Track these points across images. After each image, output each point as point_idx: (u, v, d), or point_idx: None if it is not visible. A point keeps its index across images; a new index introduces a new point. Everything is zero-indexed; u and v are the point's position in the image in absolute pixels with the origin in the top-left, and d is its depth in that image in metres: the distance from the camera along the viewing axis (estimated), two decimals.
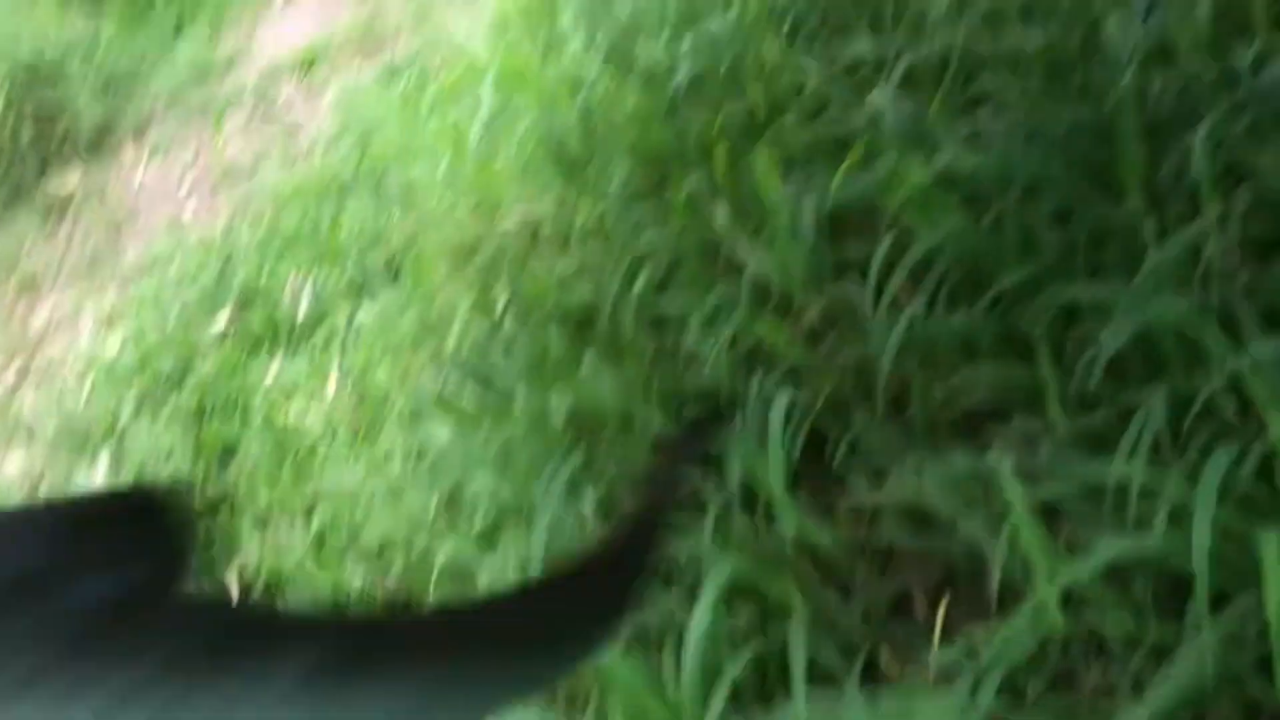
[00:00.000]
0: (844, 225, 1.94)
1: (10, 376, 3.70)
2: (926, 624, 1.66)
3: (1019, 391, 1.60)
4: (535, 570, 1.98)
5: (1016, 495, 1.36)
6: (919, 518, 1.80)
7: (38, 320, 3.93)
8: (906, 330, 1.60)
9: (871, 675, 1.59)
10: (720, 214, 1.95)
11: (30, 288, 4.14)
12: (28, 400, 3.55)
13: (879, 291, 1.65)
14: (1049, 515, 1.51)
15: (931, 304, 1.67)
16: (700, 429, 0.47)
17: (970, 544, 1.58)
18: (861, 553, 1.79)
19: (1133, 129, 1.50)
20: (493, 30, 3.41)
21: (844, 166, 1.76)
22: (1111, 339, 1.40)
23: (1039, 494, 1.40)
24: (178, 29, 5.85)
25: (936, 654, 1.50)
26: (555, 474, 1.70)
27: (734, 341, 1.85)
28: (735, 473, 1.65)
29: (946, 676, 1.46)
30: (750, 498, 1.76)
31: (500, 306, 2.26)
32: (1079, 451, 1.45)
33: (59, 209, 4.51)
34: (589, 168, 2.38)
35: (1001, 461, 1.39)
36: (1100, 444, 1.45)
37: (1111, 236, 1.54)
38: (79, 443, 3.28)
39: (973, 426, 1.68)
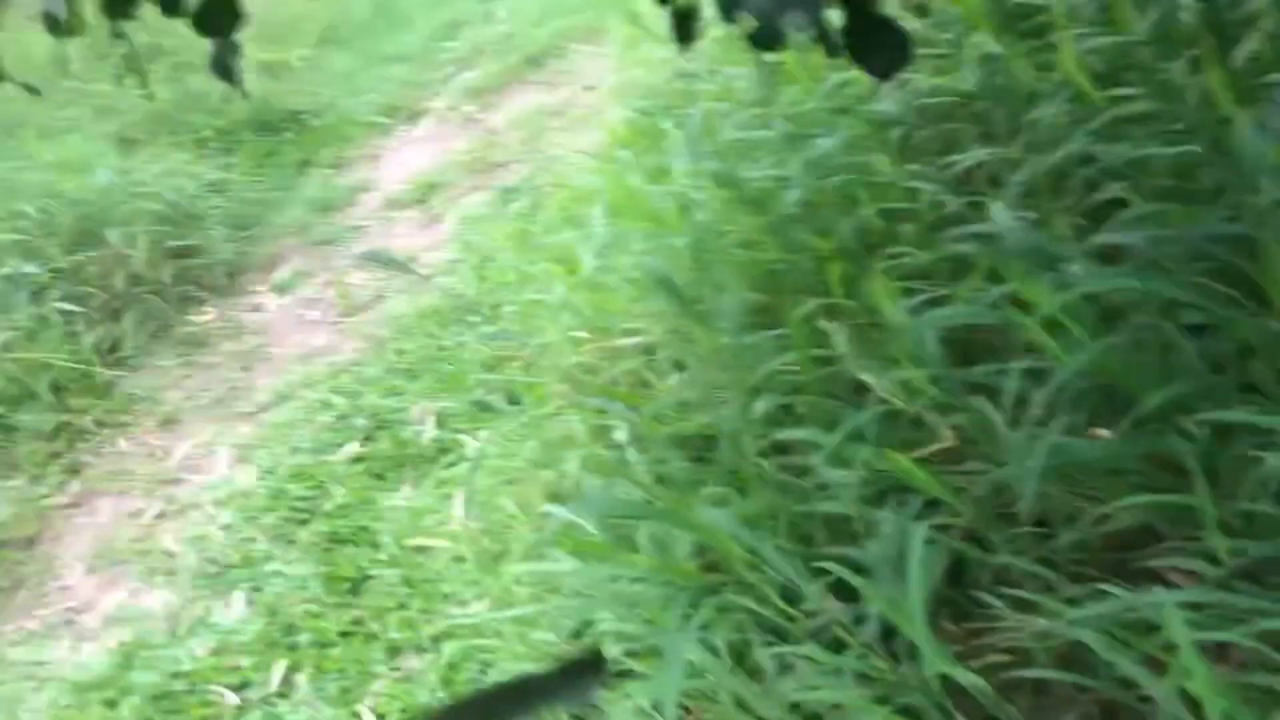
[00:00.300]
0: (971, 345, 1.89)
1: (152, 510, 3.83)
2: None
3: (1172, 516, 1.51)
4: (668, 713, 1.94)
5: (1182, 635, 1.27)
6: (1072, 653, 1.70)
7: (178, 454, 4.07)
8: (1049, 454, 1.53)
9: None
10: (839, 337, 1.92)
11: (170, 422, 4.30)
12: (169, 533, 3.66)
13: (1015, 414, 1.59)
14: (1218, 651, 1.41)
15: (1071, 426, 1.61)
16: (577, 676, 0.46)
17: (1130, 682, 1.49)
18: (1012, 691, 1.69)
19: (1276, 237, 1.43)
20: (601, 154, 3.48)
21: (966, 288, 1.72)
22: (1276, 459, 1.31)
23: (1205, 632, 1.31)
24: (302, 167, 6.14)
25: None
26: (683, 612, 1.66)
27: (862, 466, 1.80)
28: (873, 610, 1.59)
29: None
30: (888, 632, 1.69)
31: (618, 434, 2.25)
32: (1246, 583, 1.35)
33: (196, 344, 4.70)
34: (701, 290, 2.38)
35: (1162, 596, 1.31)
36: (1270, 573, 1.35)
37: (1261, 350, 1.46)
38: (217, 575, 3.36)
39: (1123, 553, 1.59)
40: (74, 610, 3.55)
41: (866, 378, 1.85)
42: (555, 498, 2.68)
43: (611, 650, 2.10)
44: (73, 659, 3.30)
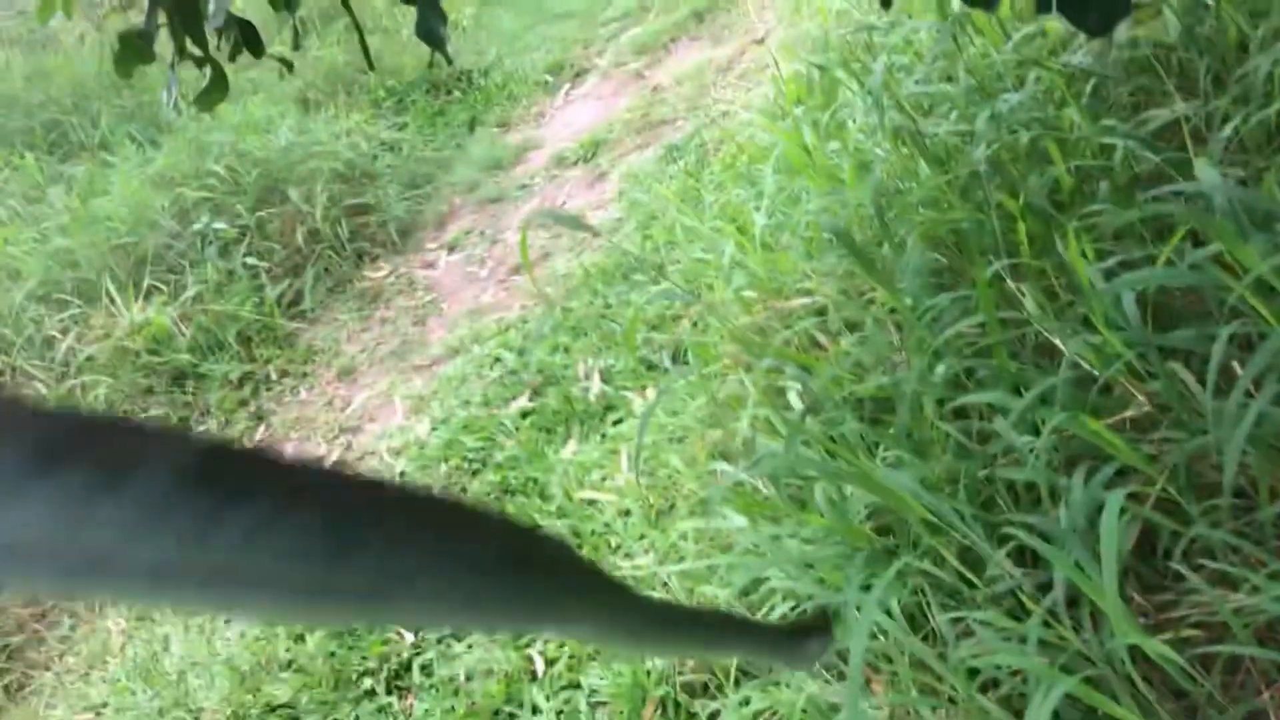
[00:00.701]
0: (1169, 310, 1.81)
1: (333, 457, 4.01)
2: None
3: None
4: (835, 671, 1.94)
5: None
6: (1271, 631, 1.63)
7: (355, 403, 4.25)
8: (1256, 422, 1.46)
9: None
10: (1028, 299, 1.87)
11: (348, 372, 4.49)
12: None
13: (1218, 382, 1.52)
14: None
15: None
16: (803, 636, 0.45)
17: None
18: (1207, 667, 1.63)
19: None
20: (771, 110, 3.44)
21: (1167, 249, 1.64)
22: None
23: None
24: (470, 126, 6.28)
25: None
26: (858, 573, 1.66)
27: (1051, 432, 1.75)
28: (1059, 577, 1.55)
29: None
30: (1072, 601, 1.65)
31: (790, 395, 2.25)
32: None
33: (371, 298, 4.89)
34: (880, 250, 2.34)
35: None
36: None
37: None
38: None
39: None
40: None
41: (1056, 341, 1.80)
42: (723, 456, 2.70)
43: (779, 607, 2.11)
44: None
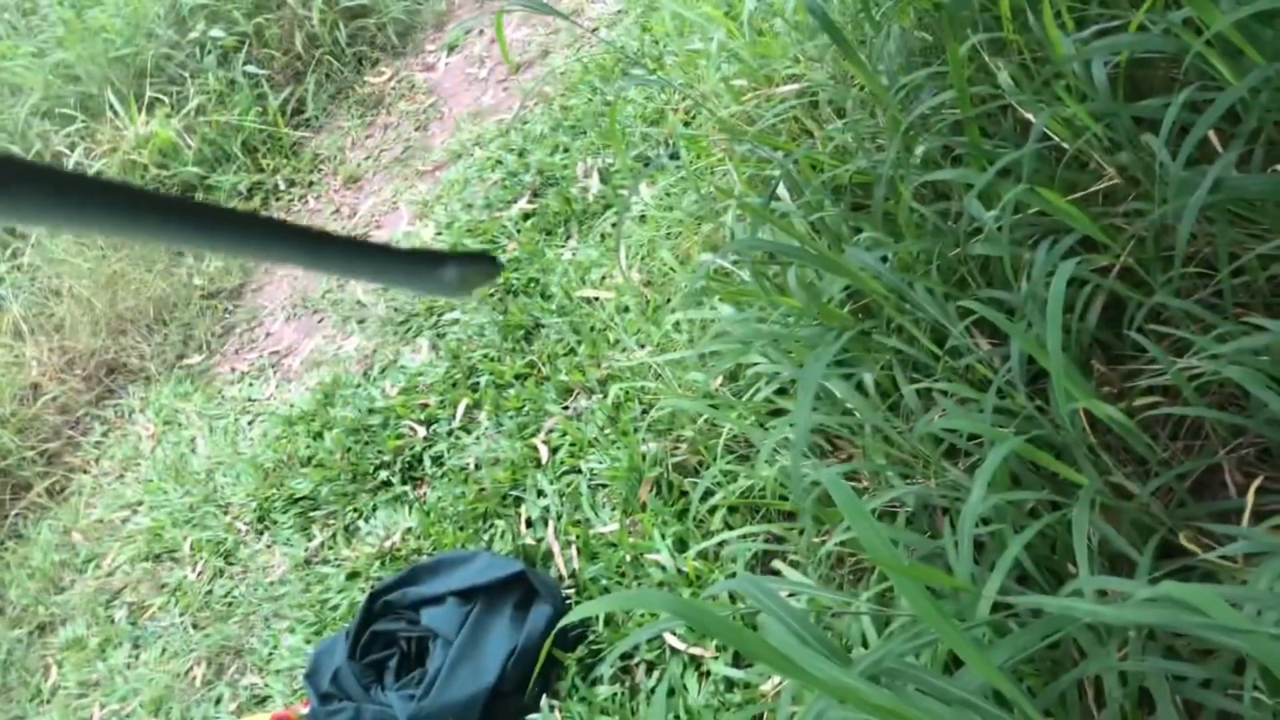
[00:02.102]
0: (1146, 80, 1.78)
1: None
2: (1234, 506, 1.56)
3: None
4: (814, 441, 2.02)
5: None
6: (1227, 394, 1.67)
7: (363, 209, 4.28)
8: (1211, 190, 1.46)
9: (1169, 558, 1.52)
10: (1004, 72, 1.84)
11: (354, 180, 4.50)
12: (358, 286, 3.90)
13: (1177, 149, 1.52)
14: None
15: (1242, 160, 1.52)
16: (468, 262, 0.49)
17: None
18: (1160, 429, 1.69)
19: None
20: None
21: (1140, 12, 1.60)
22: None
23: None
24: None
25: (1246, 536, 1.41)
26: (831, 352, 1.70)
27: (1019, 208, 1.76)
28: (1017, 347, 1.59)
29: (1257, 561, 1.37)
30: (1037, 375, 1.70)
31: (775, 181, 2.25)
32: None
33: (373, 104, 4.84)
34: (864, 30, 2.30)
35: None
36: None
37: None
38: (403, 323, 3.59)
39: None
40: (278, 354, 3.87)
41: (1028, 115, 1.78)
42: (713, 248, 2.73)
43: (763, 390, 2.18)
44: (280, 396, 3.63)
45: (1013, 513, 1.57)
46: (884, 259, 1.85)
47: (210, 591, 3.05)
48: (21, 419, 3.90)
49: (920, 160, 1.97)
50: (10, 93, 4.90)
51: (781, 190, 2.27)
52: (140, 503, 3.50)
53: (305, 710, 2.46)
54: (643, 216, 3.08)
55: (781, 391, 2.13)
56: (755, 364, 2.17)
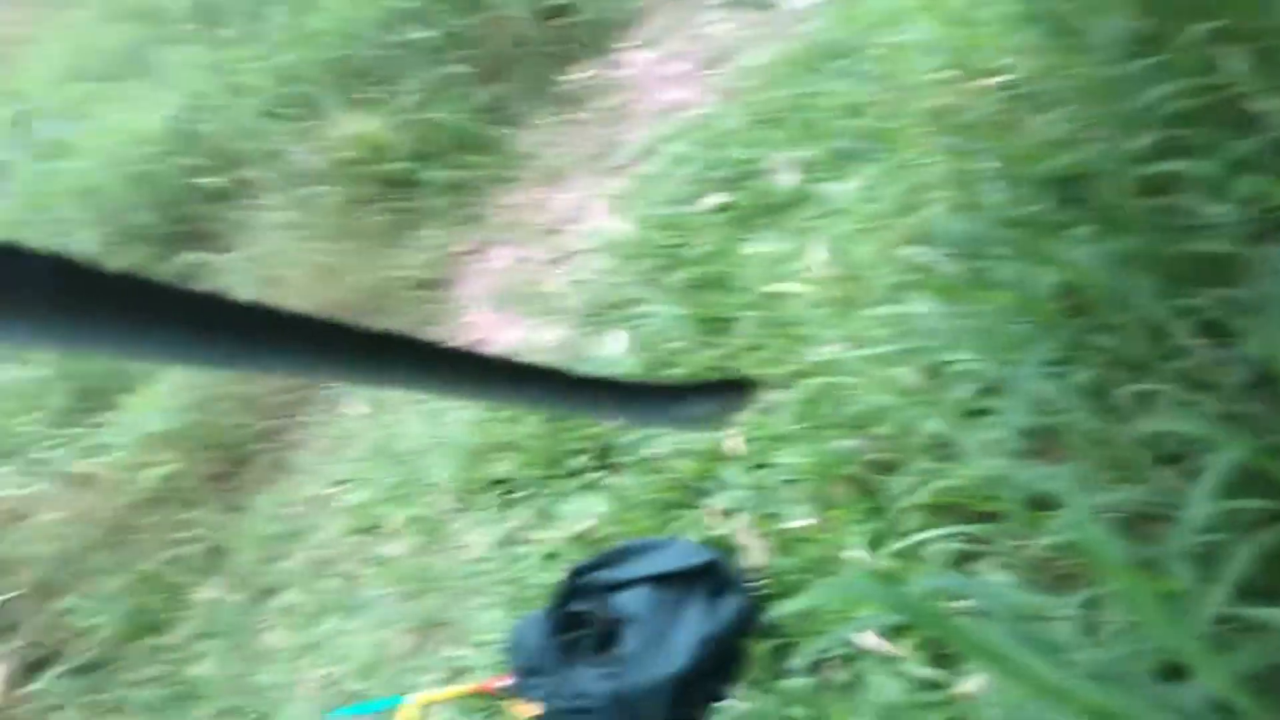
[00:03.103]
0: None
1: (540, 257, 4.20)
2: None
3: None
4: (1016, 446, 1.97)
5: None
6: None
7: (560, 206, 4.41)
8: None
9: None
10: (1234, 60, 1.75)
11: (553, 176, 4.63)
12: (555, 278, 4.02)
13: None
14: None
15: None
16: (720, 392, 0.46)
17: None
18: None
19: None
20: None
21: None
22: None
23: None
24: None
25: None
26: (1040, 350, 1.67)
27: (1249, 204, 1.68)
28: (1249, 349, 1.52)
29: None
30: (1266, 379, 1.62)
31: (983, 175, 2.21)
32: None
33: (572, 101, 4.97)
34: (1078, 20, 2.22)
35: None
36: None
37: None
38: (599, 315, 3.68)
39: None
40: (480, 346, 4.02)
41: (1263, 105, 1.69)
42: (915, 242, 2.69)
43: (966, 388, 2.15)
44: None
45: (1233, 523, 1.50)
46: (1100, 254, 1.79)
47: (415, 566, 3.20)
48: (246, 398, 4.18)
49: (1138, 152, 1.90)
50: (237, 93, 5.25)
51: (989, 184, 2.23)
52: (351, 479, 3.70)
53: (505, 683, 2.56)
54: (840, 210, 3.06)
55: (986, 390, 2.09)
56: (958, 361, 2.13)
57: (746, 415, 2.87)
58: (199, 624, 3.45)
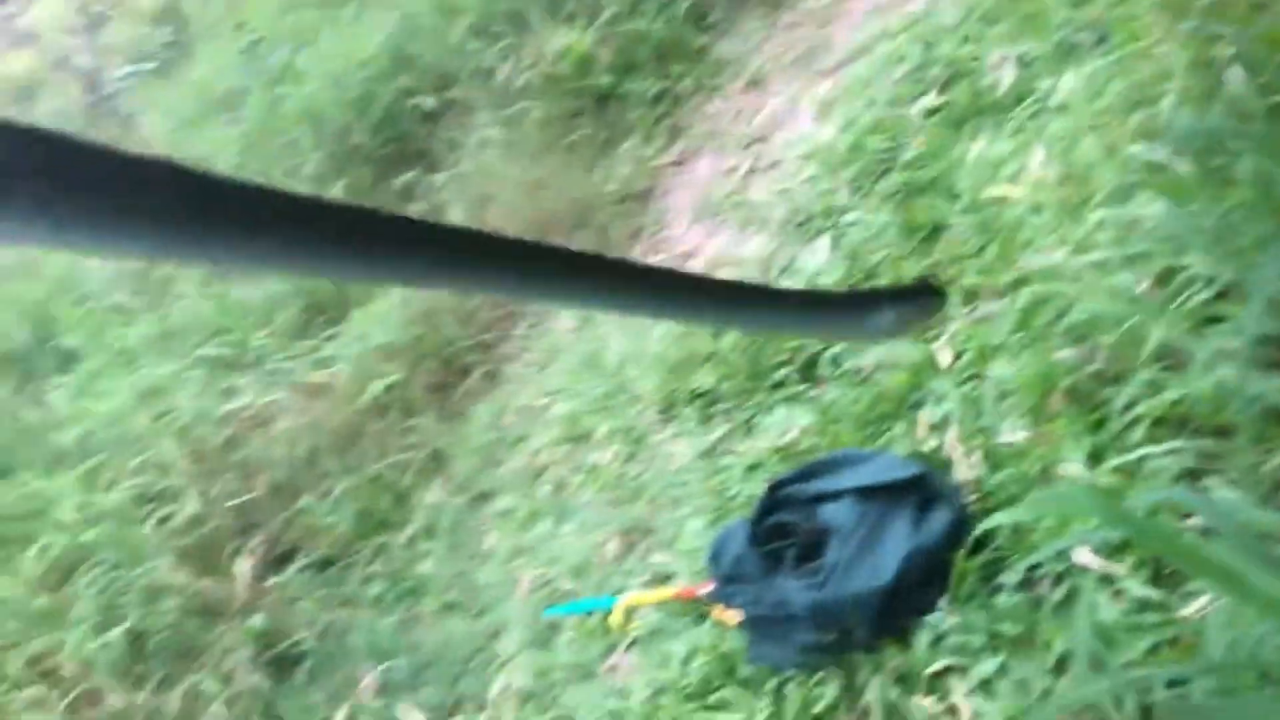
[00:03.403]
0: None
1: (744, 166, 4.15)
2: None
3: None
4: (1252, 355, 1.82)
5: None
6: None
7: (764, 113, 4.32)
8: None
9: None
10: None
11: (756, 82, 4.54)
12: (759, 187, 3.97)
13: None
14: None
15: None
16: (913, 297, 0.41)
17: None
18: None
19: None
20: None
21: None
22: None
23: None
24: None
25: None
26: None
27: None
28: None
29: None
30: None
31: (1224, 62, 2.01)
32: None
33: (776, 5, 4.83)
34: None
35: None
36: None
37: None
38: (803, 224, 3.61)
39: None
40: (683, 256, 4.03)
41: None
42: (1144, 139, 2.50)
43: (1199, 295, 1.99)
44: None
45: None
46: None
47: (621, 474, 3.28)
48: (463, 312, 4.34)
49: None
50: (450, 13, 5.36)
51: (1233, 72, 2.03)
52: (561, 390, 3.81)
53: (707, 590, 2.60)
54: (1063, 107, 2.87)
55: (1221, 296, 1.93)
56: (1190, 266, 1.98)
57: (959, 325, 2.77)
58: (422, 525, 3.66)
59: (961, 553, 2.24)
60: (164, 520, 3.81)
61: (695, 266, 3.92)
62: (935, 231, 3.08)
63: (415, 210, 4.83)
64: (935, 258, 3.01)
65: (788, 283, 3.40)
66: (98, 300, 5.27)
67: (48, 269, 6.01)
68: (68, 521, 3.84)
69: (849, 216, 3.43)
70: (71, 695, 3.46)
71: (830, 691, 2.26)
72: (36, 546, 3.78)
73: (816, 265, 3.37)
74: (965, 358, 2.69)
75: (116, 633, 3.53)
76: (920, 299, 0.43)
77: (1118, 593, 1.96)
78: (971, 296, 2.82)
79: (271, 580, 3.67)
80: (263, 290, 4.68)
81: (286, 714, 3.30)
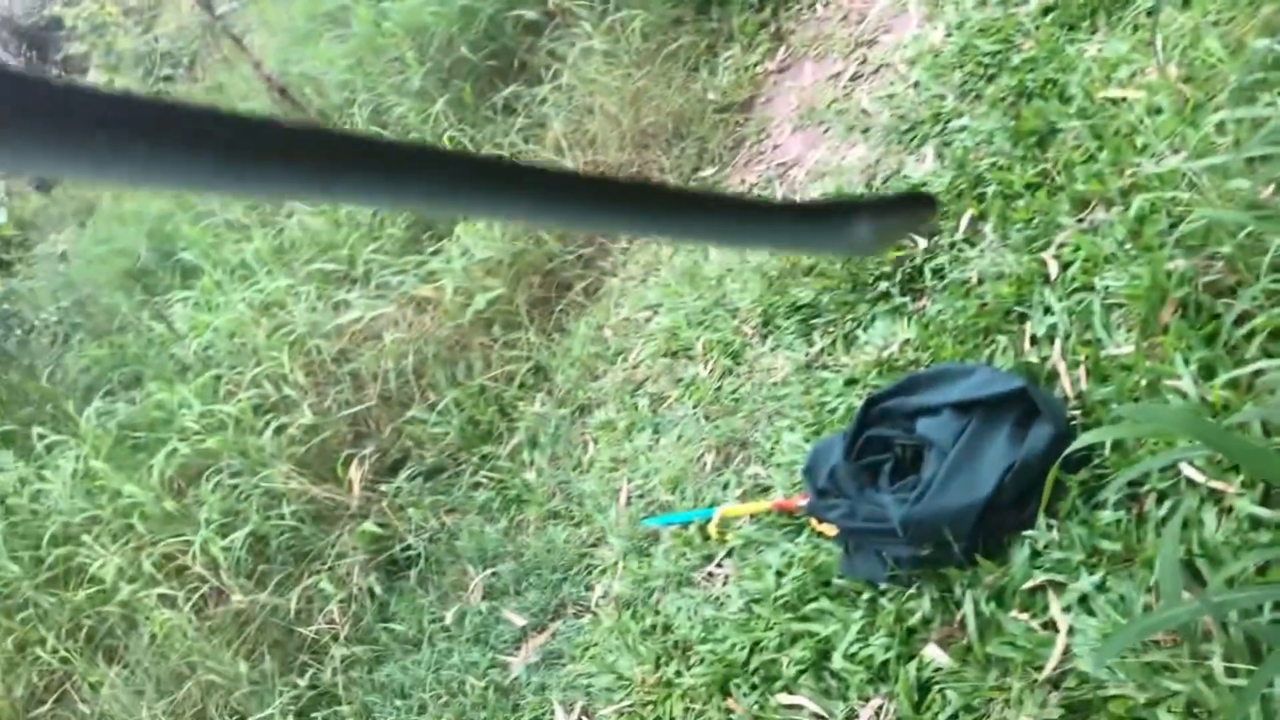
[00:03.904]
0: None
1: (849, 72, 4.03)
2: None
3: None
4: None
5: None
6: None
7: (871, 16, 4.18)
8: None
9: None
10: None
11: None
12: (863, 93, 3.86)
13: None
14: None
15: None
16: (904, 207, 0.37)
17: None
18: None
19: None
20: None
21: None
22: None
23: None
24: None
25: None
26: None
27: None
28: None
29: None
30: None
31: None
32: None
33: None
34: None
35: None
36: None
37: None
38: (908, 131, 3.50)
39: None
40: (785, 166, 3.96)
41: None
42: (1271, 34, 2.35)
43: None
44: None
45: None
46: None
47: (719, 388, 3.28)
48: (565, 230, 4.36)
49: None
50: None
51: None
52: (660, 304, 3.81)
53: (803, 502, 2.60)
54: (1183, 1, 2.72)
55: None
56: None
57: (1068, 235, 2.68)
58: (525, 436, 3.73)
59: (1063, 469, 2.19)
60: (280, 429, 3.95)
61: (797, 177, 3.85)
62: (1046, 137, 2.97)
63: (517, 124, 4.83)
64: (1046, 164, 2.90)
65: (889, 190, 3.32)
66: (215, 217, 5.43)
67: None
68: (192, 430, 4.02)
69: (956, 123, 3.31)
70: (198, 593, 3.67)
71: (924, 605, 2.25)
72: (163, 453, 3.97)
73: (921, 174, 3.28)
74: (1073, 269, 2.60)
75: (239, 535, 3.71)
76: (904, 209, 0.40)
77: (1224, 510, 1.91)
78: (1082, 205, 2.72)
79: (383, 487, 3.80)
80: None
81: (398, 614, 3.43)
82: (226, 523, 3.76)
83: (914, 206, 0.40)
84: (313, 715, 3.32)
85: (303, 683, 3.42)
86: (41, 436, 4.42)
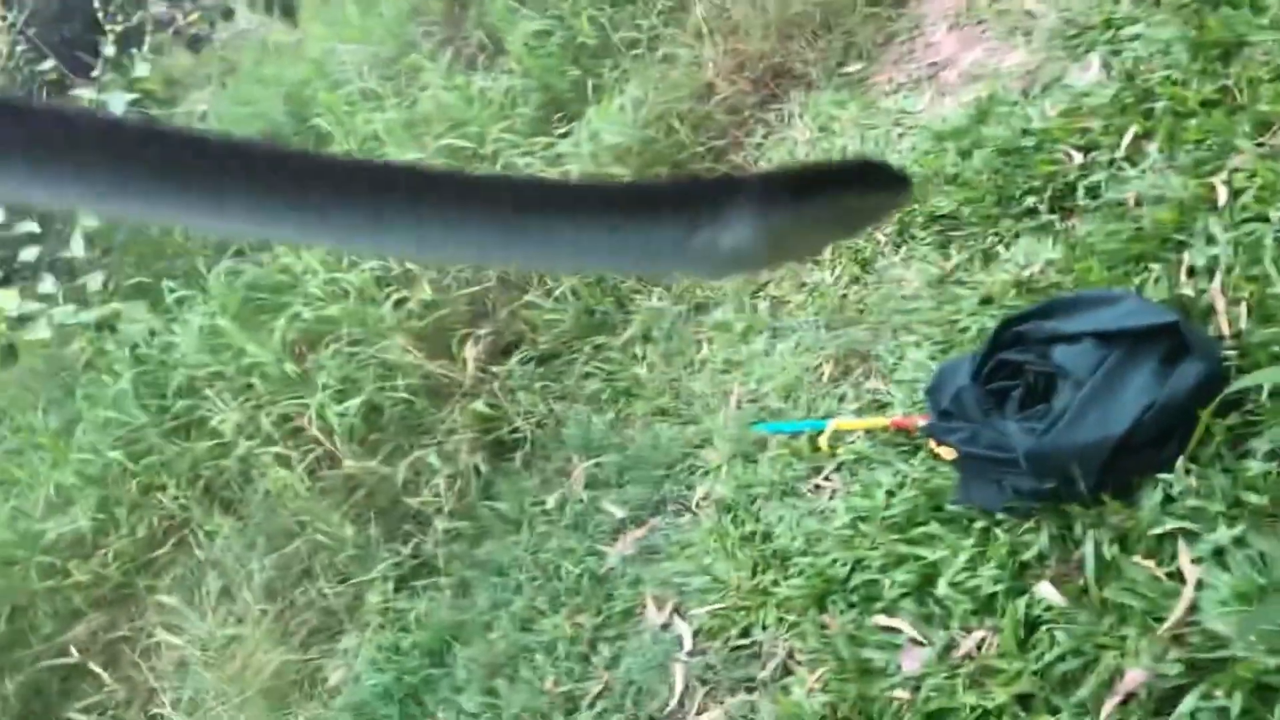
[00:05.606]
0: None
1: None
2: None
3: None
4: None
5: None
6: None
7: None
8: None
9: None
10: None
11: None
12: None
13: None
14: None
15: None
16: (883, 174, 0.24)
17: None
18: None
19: None
20: None
21: None
22: None
23: None
24: None
25: None
26: None
27: None
28: None
29: None
30: None
31: None
32: None
33: None
34: None
35: None
36: None
37: None
38: (1075, 37, 3.26)
39: None
40: (936, 66, 3.74)
41: None
42: None
43: None
44: (933, 110, 3.53)
45: None
46: None
47: (845, 296, 3.15)
48: (697, 116, 4.21)
49: None
50: None
51: None
52: None
53: (923, 423, 2.49)
54: None
55: None
56: None
57: (1244, 159, 2.45)
58: (640, 329, 3.66)
59: (1209, 411, 2.03)
60: (400, 303, 3.97)
61: (948, 79, 3.63)
62: (1231, 50, 2.72)
63: (658, 5, 4.66)
64: (1227, 80, 2.65)
65: (1048, 100, 3.09)
66: (350, 85, 5.42)
67: (309, 50, 6.23)
68: (315, 296, 4.07)
69: (1130, 30, 3.06)
70: (312, 454, 3.74)
71: (1041, 540, 2.14)
72: (286, 316, 4.03)
73: (1085, 83, 3.05)
74: (1246, 196, 2.39)
75: (354, 403, 3.76)
76: (828, 194, 0.25)
77: None
78: (1264, 127, 2.49)
79: (495, 369, 3.79)
80: (503, 84, 4.68)
81: (501, 494, 3.45)
82: (343, 390, 3.81)
83: (847, 189, 0.26)
84: (413, 583, 3.38)
85: (405, 551, 3.48)
86: (172, 290, 4.53)
